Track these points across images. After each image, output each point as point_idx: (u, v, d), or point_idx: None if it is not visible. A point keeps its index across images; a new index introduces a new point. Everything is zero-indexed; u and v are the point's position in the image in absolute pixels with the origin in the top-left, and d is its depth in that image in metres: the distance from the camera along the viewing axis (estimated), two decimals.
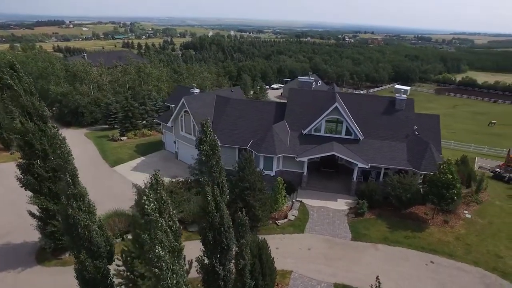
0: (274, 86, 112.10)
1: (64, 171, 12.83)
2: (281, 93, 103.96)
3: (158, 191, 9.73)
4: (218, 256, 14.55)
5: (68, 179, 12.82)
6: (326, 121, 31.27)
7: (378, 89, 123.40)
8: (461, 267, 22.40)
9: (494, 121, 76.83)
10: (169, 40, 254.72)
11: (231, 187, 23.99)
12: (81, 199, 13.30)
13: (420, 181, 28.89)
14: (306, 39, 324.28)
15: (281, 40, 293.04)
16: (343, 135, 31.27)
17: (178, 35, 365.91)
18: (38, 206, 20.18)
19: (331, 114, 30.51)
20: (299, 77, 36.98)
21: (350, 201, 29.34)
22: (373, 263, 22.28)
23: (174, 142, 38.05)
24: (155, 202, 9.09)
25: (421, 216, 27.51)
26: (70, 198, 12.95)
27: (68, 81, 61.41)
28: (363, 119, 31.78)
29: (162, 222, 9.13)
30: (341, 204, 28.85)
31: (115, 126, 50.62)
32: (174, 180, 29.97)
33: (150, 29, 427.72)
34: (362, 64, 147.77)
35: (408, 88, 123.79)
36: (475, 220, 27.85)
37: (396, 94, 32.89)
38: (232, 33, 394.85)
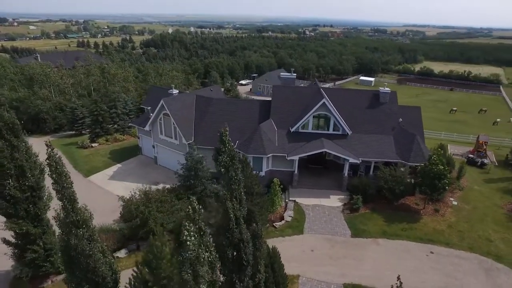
0: (243, 82, 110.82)
1: (61, 197, 11.08)
2: (250, 88, 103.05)
3: (197, 221, 8.45)
4: (238, 273, 13.45)
5: (68, 205, 11.09)
6: (313, 117, 30.84)
7: (344, 81, 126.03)
8: (459, 255, 22.94)
9: (455, 109, 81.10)
10: (128, 38, 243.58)
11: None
12: (84, 225, 11.59)
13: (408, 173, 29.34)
14: (268, 34, 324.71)
15: (243, 35, 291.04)
16: (331, 131, 31.00)
17: (136, 32, 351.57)
18: (15, 231, 17.81)
19: (318, 110, 30.10)
20: (281, 74, 36.27)
21: (342, 196, 29.19)
22: (378, 258, 22.19)
23: (153, 147, 35.93)
24: (196, 236, 7.84)
25: (413, 207, 27.96)
26: (71, 227, 11.22)
27: (24, 85, 56.36)
28: (349, 114, 31.69)
29: (204, 256, 7.92)
30: (335, 201, 28.61)
31: (83, 132, 47.18)
32: (160, 188, 28.15)
33: (106, 27, 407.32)
34: (327, 57, 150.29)
35: (372, 79, 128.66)
36: (462, 207, 28.80)
37: (380, 88, 33.15)
38: (192, 29, 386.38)
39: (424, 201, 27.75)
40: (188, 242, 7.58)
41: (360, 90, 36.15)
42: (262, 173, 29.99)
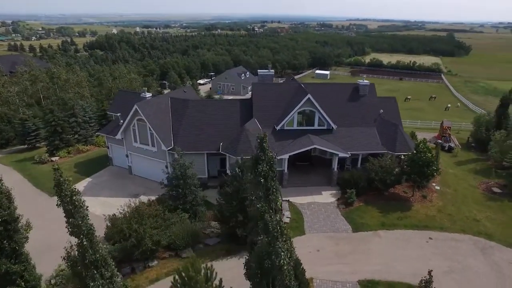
0: (201, 81, 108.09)
1: (78, 232, 9.19)
2: (210, 88, 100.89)
3: None
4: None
5: (86, 243, 9.21)
6: (298, 113, 30.29)
7: (300, 75, 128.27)
8: (454, 238, 23.77)
9: (409, 97, 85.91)
10: (69, 40, 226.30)
11: (227, 199, 21.54)
12: (103, 264, 9.74)
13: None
14: (217, 32, 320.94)
15: (193, 34, 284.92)
16: (316, 127, 30.70)
17: (77, 34, 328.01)
18: None
19: (303, 106, 29.60)
20: (258, 71, 35.21)
21: (334, 192, 29.05)
22: (382, 250, 22.22)
23: (127, 156, 33.12)
24: None
25: (402, 196, 28.59)
26: (89, 267, 9.34)
27: None
28: (331, 108, 31.53)
29: None
30: (328, 197, 28.38)
31: (38, 145, 42.47)
32: (145, 201, 25.86)
33: (40, 29, 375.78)
34: (281, 53, 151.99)
35: (327, 72, 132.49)
36: (445, 191, 30.06)
37: (358, 80, 33.47)
38: (138, 29, 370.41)
39: (412, 188, 28.49)
40: None
41: (339, 84, 36.33)
42: None
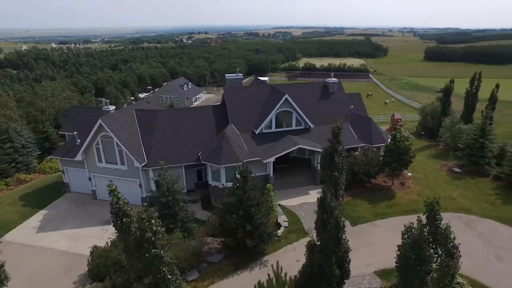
0: (141, 95, 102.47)
1: None
2: (148, 101, 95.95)
3: None
4: None
5: None
6: (275, 115, 29.81)
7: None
8: (462, 219, 25.09)
9: (370, 93, 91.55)
10: None
11: (233, 210, 20.00)
12: None
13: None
14: (144, 45, 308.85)
15: (119, 48, 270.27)
16: (294, 127, 30.55)
17: None
18: None
19: (281, 107, 29.23)
20: (226, 75, 34.06)
21: (320, 189, 28.90)
22: (385, 239, 22.52)
23: (90, 179, 29.29)
24: None
25: (384, 185, 29.67)
26: None
27: None
28: (305, 107, 31.64)
29: None
30: (316, 195, 28.05)
31: None
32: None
33: None
34: (216, 62, 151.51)
35: (266, 78, 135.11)
36: (416, 176, 31.97)
37: (327, 78, 34.21)
38: (54, 45, 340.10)
39: (391, 177, 29.74)
40: None
41: (309, 83, 36.82)
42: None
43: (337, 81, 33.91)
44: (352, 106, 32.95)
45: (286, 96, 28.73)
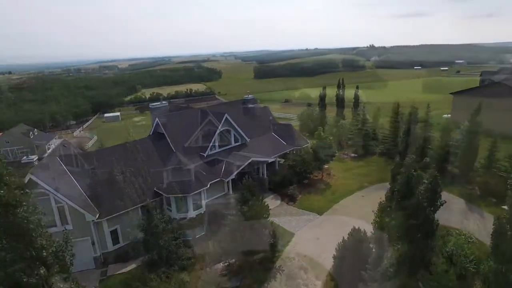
0: None
1: None
2: None
3: None
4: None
5: None
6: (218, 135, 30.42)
7: (89, 122, 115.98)
8: (376, 188, 31.44)
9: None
10: None
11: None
12: None
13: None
14: None
15: None
16: (233, 144, 31.77)
17: None
18: None
19: (223, 126, 30.12)
20: (150, 105, 31.83)
21: (272, 196, 31.16)
22: (357, 210, 27.40)
23: None
24: None
25: (316, 179, 34.47)
26: None
27: None
28: (236, 124, 33.36)
29: None
30: (273, 202, 30.15)
31: None
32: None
33: None
34: (50, 104, 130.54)
35: (118, 113, 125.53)
36: (330, 165, 38.36)
37: (245, 96, 36.80)
38: None
39: (322, 170, 34.88)
40: None
41: (230, 102, 38.41)
42: (203, 209, 26.58)
43: (252, 97, 37.14)
44: (271, 117, 36.82)
45: (226, 115, 29.88)
